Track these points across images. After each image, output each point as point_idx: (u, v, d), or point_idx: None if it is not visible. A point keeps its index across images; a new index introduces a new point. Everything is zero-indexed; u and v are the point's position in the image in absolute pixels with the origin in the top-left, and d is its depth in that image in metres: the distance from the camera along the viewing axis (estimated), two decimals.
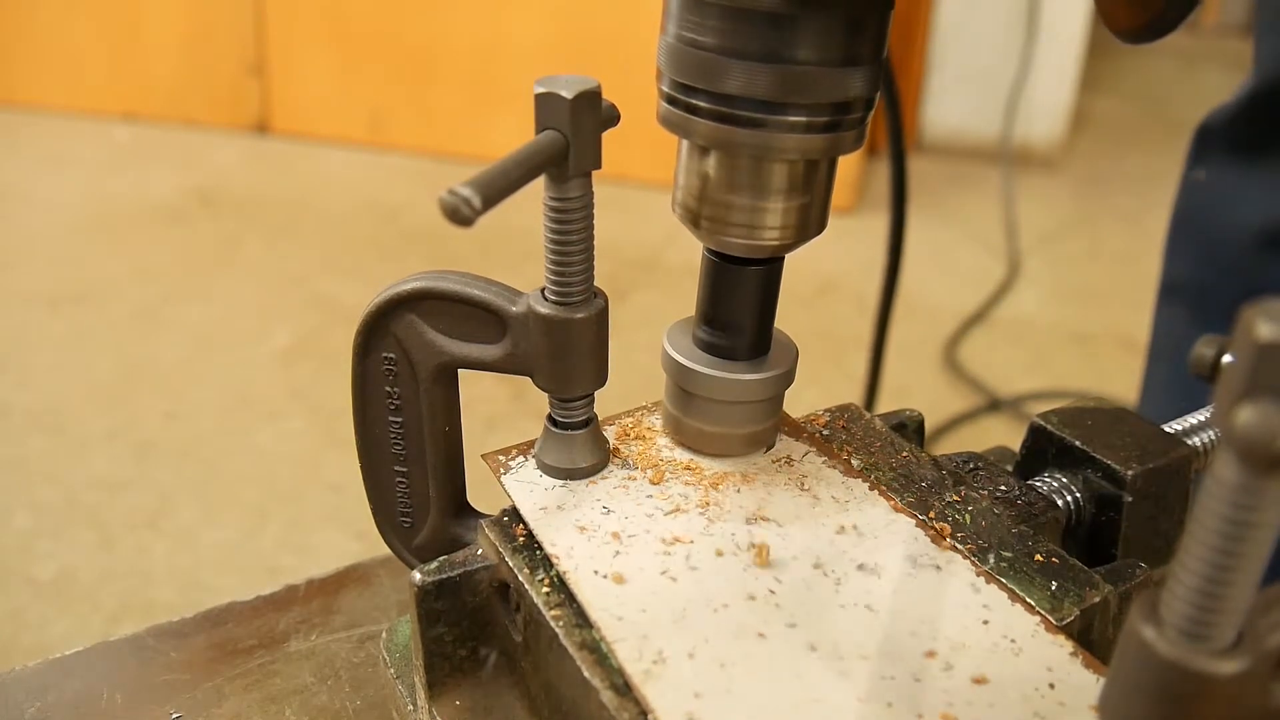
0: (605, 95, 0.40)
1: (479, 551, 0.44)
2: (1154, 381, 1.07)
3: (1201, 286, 1.00)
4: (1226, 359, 0.62)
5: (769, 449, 0.49)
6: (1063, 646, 0.38)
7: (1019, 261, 2.55)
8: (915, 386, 2.02)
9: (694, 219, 0.44)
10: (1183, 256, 1.03)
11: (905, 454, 0.50)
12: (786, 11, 0.38)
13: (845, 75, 0.39)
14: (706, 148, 0.42)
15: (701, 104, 0.41)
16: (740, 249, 0.44)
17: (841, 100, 0.40)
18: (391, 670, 0.49)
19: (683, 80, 0.41)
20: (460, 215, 0.33)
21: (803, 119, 0.40)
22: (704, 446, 0.48)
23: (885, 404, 0.55)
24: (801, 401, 0.53)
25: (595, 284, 0.43)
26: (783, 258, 0.46)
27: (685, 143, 0.43)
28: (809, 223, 0.44)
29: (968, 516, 0.45)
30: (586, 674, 0.37)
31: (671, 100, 0.42)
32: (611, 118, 0.41)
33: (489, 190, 0.34)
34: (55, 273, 2.25)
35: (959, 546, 0.43)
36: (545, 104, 0.38)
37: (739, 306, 0.46)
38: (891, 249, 0.97)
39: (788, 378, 0.47)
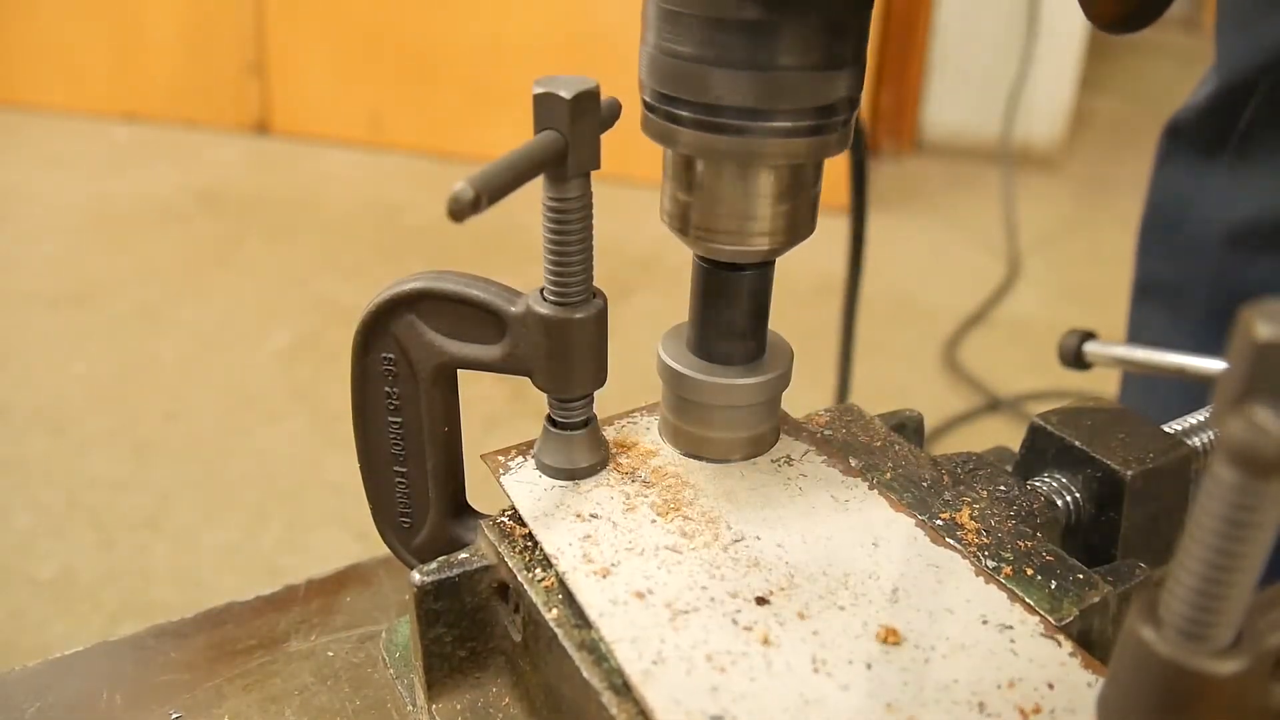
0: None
1: (478, 552, 0.44)
2: (1131, 382, 1.06)
3: (1174, 285, 0.99)
4: (1089, 347, 0.65)
5: (769, 449, 0.49)
6: (1062, 646, 0.38)
7: (1019, 262, 2.55)
8: (915, 386, 2.02)
9: (682, 227, 0.44)
10: (1155, 255, 1.02)
11: (905, 454, 0.50)
12: (765, 19, 0.38)
13: (827, 78, 0.39)
14: (691, 156, 0.42)
15: (684, 113, 0.40)
16: (730, 255, 0.44)
17: (825, 103, 0.40)
18: (391, 670, 0.49)
19: (664, 90, 0.41)
20: (460, 206, 0.33)
21: (786, 124, 0.40)
22: (702, 450, 0.48)
23: (885, 404, 0.55)
24: (801, 401, 0.53)
25: (595, 284, 0.43)
26: (773, 261, 0.46)
27: (670, 151, 0.43)
28: (798, 226, 0.44)
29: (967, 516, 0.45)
30: (586, 674, 0.37)
31: (654, 110, 0.42)
32: (612, 115, 0.41)
33: (490, 186, 0.34)
34: (55, 273, 2.25)
35: (958, 546, 0.43)
36: (544, 104, 0.38)
37: (732, 312, 0.46)
38: (853, 246, 0.99)
39: (783, 380, 0.47)
